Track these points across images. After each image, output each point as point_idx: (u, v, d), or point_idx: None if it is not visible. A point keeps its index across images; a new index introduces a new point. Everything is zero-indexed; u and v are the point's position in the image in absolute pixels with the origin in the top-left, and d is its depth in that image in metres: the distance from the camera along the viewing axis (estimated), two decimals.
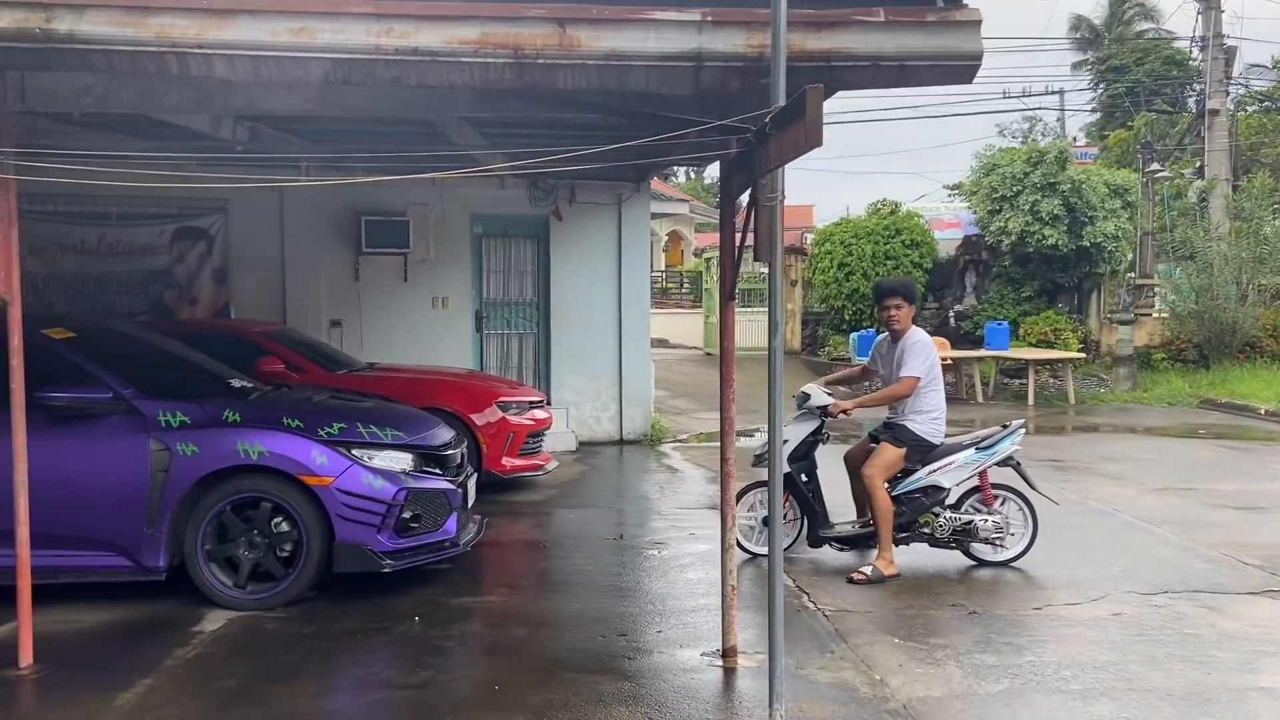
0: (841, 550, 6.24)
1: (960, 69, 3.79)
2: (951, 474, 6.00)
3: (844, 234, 18.66)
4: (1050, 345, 16.72)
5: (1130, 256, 18.19)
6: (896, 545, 6.01)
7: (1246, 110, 25.60)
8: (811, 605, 5.32)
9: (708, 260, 21.69)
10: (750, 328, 21.94)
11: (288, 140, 7.13)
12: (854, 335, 17.12)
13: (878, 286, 6.23)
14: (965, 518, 6.03)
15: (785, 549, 6.23)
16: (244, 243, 10.75)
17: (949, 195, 29.94)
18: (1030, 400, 15.25)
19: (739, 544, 6.19)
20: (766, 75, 3.48)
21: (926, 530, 6.06)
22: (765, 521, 6.22)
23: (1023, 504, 6.13)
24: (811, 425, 6.14)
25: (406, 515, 5.32)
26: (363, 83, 3.72)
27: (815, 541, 6.17)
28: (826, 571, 6.03)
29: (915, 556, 6.17)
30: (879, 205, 19.22)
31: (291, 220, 10.90)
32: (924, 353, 5.93)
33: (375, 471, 5.27)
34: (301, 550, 5.16)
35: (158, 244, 10.31)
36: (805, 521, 6.24)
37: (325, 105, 4.58)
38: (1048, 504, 6.28)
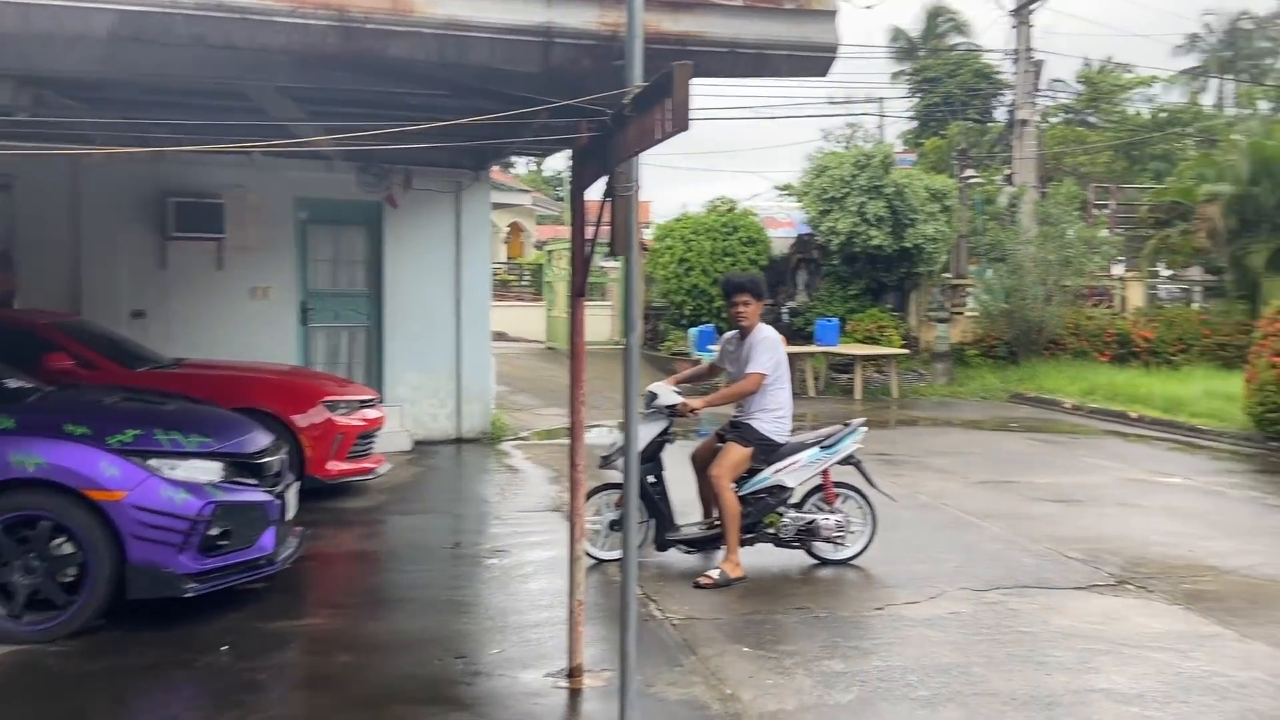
0: (689, 553, 6.10)
1: (816, 60, 3.67)
2: (796, 473, 5.96)
3: (684, 230, 18.73)
4: (875, 342, 17.34)
5: (945, 258, 19.10)
6: (742, 546, 5.92)
7: (1050, 122, 27.45)
8: (659, 613, 5.14)
9: (549, 252, 21.38)
10: (591, 322, 21.88)
11: (77, 109, 6.35)
12: (694, 330, 17.22)
13: (726, 282, 6.12)
14: (808, 517, 6.01)
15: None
16: (31, 223, 9.63)
17: (779, 195, 30.82)
18: (858, 394, 15.76)
19: (591, 549, 5.98)
20: (621, 56, 3.23)
21: (771, 530, 6.00)
22: (613, 525, 6.03)
23: (863, 501, 6.17)
24: (659, 425, 5.97)
25: (214, 532, 4.78)
26: (158, 41, 3.23)
27: (662, 545, 6.01)
28: (673, 576, 5.87)
29: (760, 557, 6.10)
30: (717, 203, 19.41)
31: (88, 200, 9.86)
32: (771, 349, 5.86)
33: (176, 484, 4.70)
34: (88, 575, 4.54)
35: None
36: (652, 524, 6.07)
37: (115, 67, 4.01)
38: (885, 500, 6.34)
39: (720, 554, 5.81)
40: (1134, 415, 13.30)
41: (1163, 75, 32.16)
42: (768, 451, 5.91)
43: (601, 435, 6.03)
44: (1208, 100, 31.29)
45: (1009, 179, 21.24)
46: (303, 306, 10.81)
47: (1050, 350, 17.49)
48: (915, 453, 10.61)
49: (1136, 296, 19.61)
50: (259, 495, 5.08)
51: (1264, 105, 26.09)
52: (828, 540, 6.03)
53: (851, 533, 6.12)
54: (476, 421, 11.49)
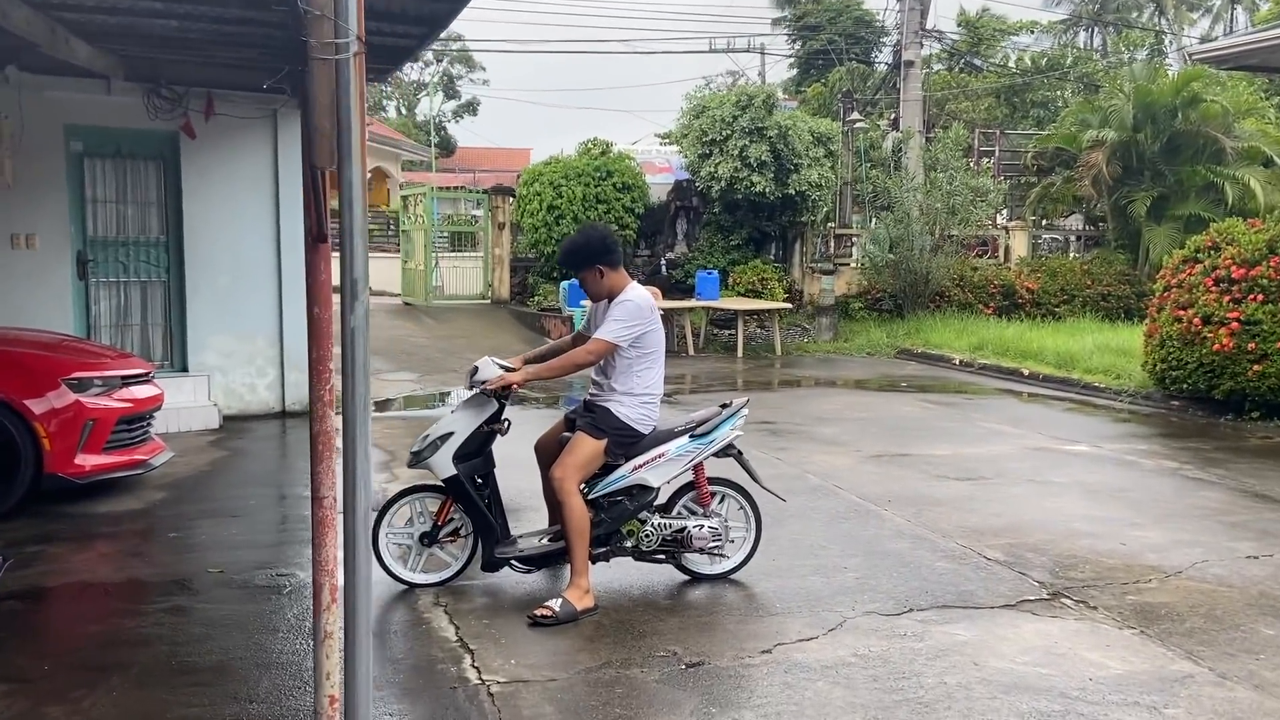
0: (527, 572, 4.79)
1: None
2: (661, 469, 4.70)
3: (553, 174, 17.20)
4: (758, 295, 16.31)
5: (828, 207, 18.18)
6: (594, 562, 4.66)
7: (934, 69, 26.84)
8: (475, 675, 3.80)
9: (405, 199, 19.52)
10: (462, 275, 20.09)
11: None
12: (564, 284, 15.81)
13: (560, 257, 4.81)
14: (677, 524, 4.77)
15: (451, 578, 4.72)
16: None
17: (661, 143, 29.50)
18: (739, 352, 14.71)
19: (390, 571, 4.63)
20: None
21: (630, 542, 4.75)
22: (427, 538, 4.68)
23: (744, 502, 4.97)
24: (486, 411, 4.62)
25: None
26: None
27: (491, 563, 4.68)
28: (506, 607, 4.55)
29: (617, 572, 4.86)
30: (589, 145, 17.93)
31: None
32: (632, 315, 4.56)
33: None
34: None
35: None
36: (478, 538, 4.74)
37: None
38: (772, 497, 5.16)
39: (567, 575, 4.53)
40: (1026, 373, 12.62)
41: (1040, 23, 32.08)
42: (627, 443, 4.64)
43: (437, 422, 4.60)
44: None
45: (894, 123, 20.43)
46: (79, 258, 8.93)
47: (936, 303, 16.80)
48: (801, 419, 9.55)
49: (1020, 246, 19.14)
50: None
51: (1142, 53, 26.06)
52: (702, 551, 4.82)
53: (731, 541, 4.92)
54: (303, 392, 9.86)
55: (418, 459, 4.62)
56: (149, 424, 6.71)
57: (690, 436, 4.75)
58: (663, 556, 4.83)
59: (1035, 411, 10.48)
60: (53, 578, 4.82)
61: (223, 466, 7.45)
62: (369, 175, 30.78)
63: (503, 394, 4.55)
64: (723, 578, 4.91)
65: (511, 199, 18.27)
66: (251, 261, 9.58)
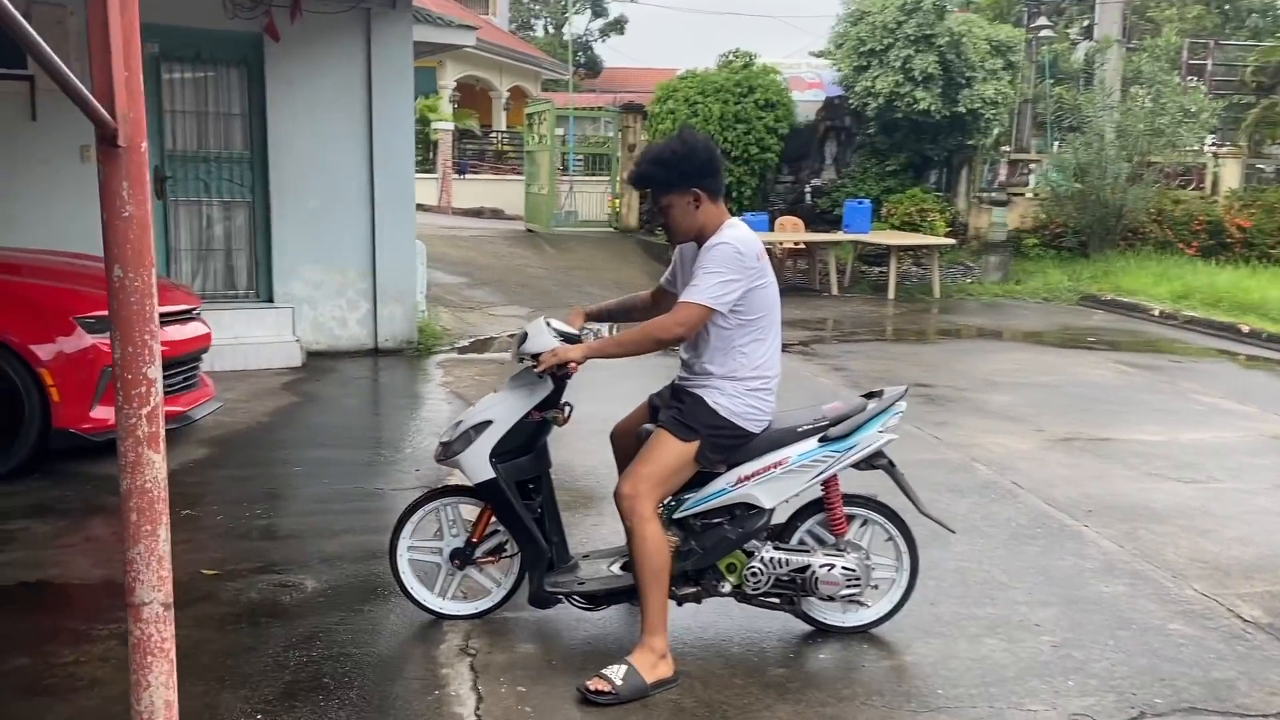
0: (587, 609, 3.56)
1: None
2: (778, 484, 3.34)
3: (689, 90, 15.63)
4: (915, 228, 14.43)
5: (1001, 129, 15.95)
6: (680, 604, 3.41)
7: None
8: None
9: (529, 117, 18.36)
10: (589, 200, 18.92)
11: None
12: None
13: (638, 175, 3.37)
14: (798, 559, 3.42)
15: (491, 609, 3.57)
16: None
17: (814, 58, 27.21)
18: (891, 293, 12.99)
19: (410, 595, 3.50)
20: None
21: (730, 582, 3.44)
22: (459, 557, 3.51)
23: (894, 530, 3.55)
24: (537, 394, 3.37)
25: None
26: None
27: (541, 599, 3.46)
28: (557, 664, 3.33)
29: (711, 612, 3.58)
30: (730, 57, 16.24)
31: None
32: (729, 266, 3.17)
33: None
34: None
35: None
36: (519, 560, 3.55)
37: None
38: (931, 520, 3.72)
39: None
40: (1246, 330, 10.48)
41: None
42: (729, 446, 3.30)
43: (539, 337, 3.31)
44: None
45: (1087, 32, 17.78)
46: (156, 174, 8.11)
47: (1128, 241, 14.50)
48: (965, 383, 7.94)
49: (1231, 177, 16.38)
50: None
51: None
52: (831, 598, 3.48)
53: (873, 586, 3.54)
54: (398, 328, 8.92)
55: (446, 452, 3.42)
56: (191, 370, 5.80)
57: (821, 440, 3.37)
58: (776, 600, 3.51)
59: (1264, 382, 8.50)
60: (11, 572, 3.90)
61: (285, 418, 6.53)
62: (507, 94, 29.84)
63: (559, 373, 3.28)
64: (860, 632, 3.55)
65: (643, 118, 16.85)
66: (343, 182, 8.62)
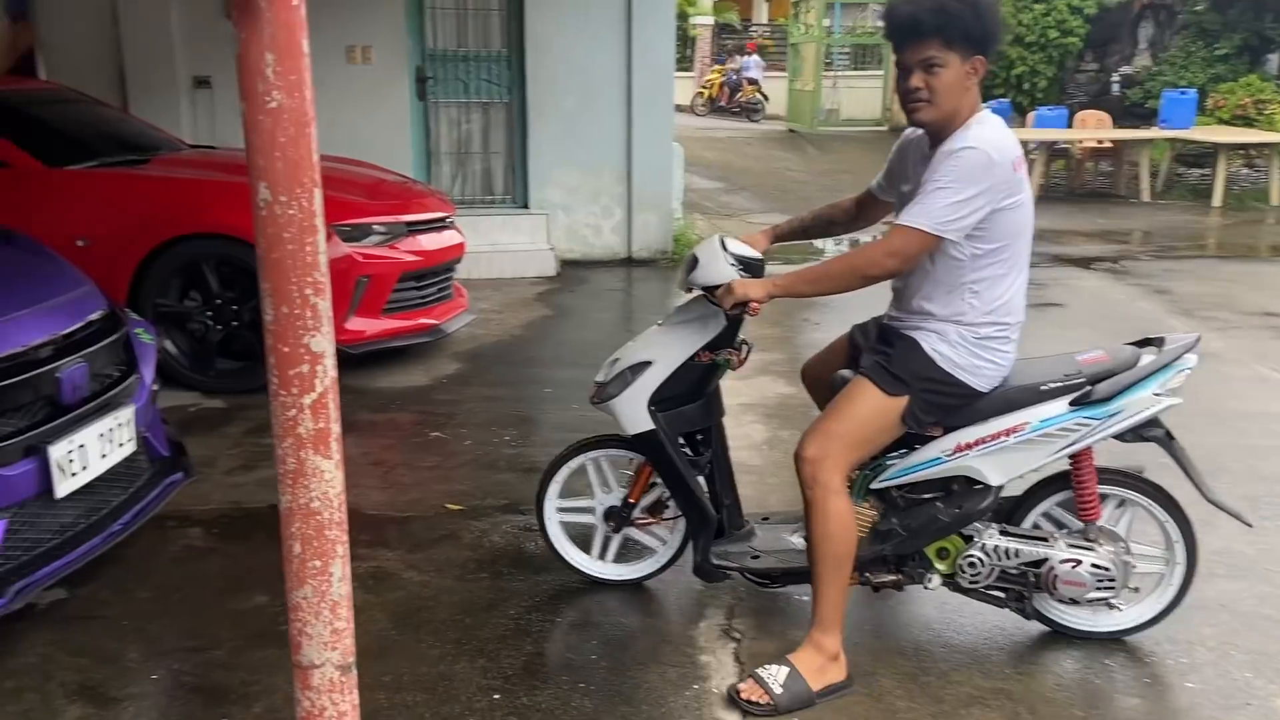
0: (766, 587, 2.94)
1: None
2: (1010, 456, 2.58)
3: None
4: (1249, 123, 12.17)
5: None
6: (876, 590, 2.78)
7: None
8: None
9: (796, 5, 17.10)
10: (858, 97, 17.59)
11: None
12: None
13: (887, 16, 2.55)
14: (1032, 550, 2.65)
15: (657, 571, 3.07)
16: None
17: None
18: (1216, 199, 11.02)
19: (562, 556, 3.05)
20: None
21: (939, 571, 2.72)
22: (613, 516, 3.00)
23: (1165, 514, 2.68)
24: (707, 331, 2.74)
25: None
26: None
27: (706, 571, 2.89)
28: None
29: (908, 598, 2.85)
30: None
31: None
32: (971, 177, 2.35)
33: None
34: None
35: None
36: (682, 527, 2.98)
37: None
38: (1221, 509, 2.76)
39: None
40: None
41: None
42: (949, 406, 2.56)
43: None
44: None
45: None
46: (418, 74, 7.97)
47: None
48: None
49: None
50: None
51: None
52: (1074, 601, 2.68)
53: (1132, 588, 2.72)
54: (653, 236, 8.45)
55: (600, 395, 2.85)
56: (444, 280, 5.56)
57: (1075, 402, 2.54)
58: (1001, 595, 2.74)
59: None
60: (263, 493, 3.76)
61: (537, 332, 6.22)
62: None
63: (736, 312, 2.59)
64: (1111, 640, 2.74)
65: None
66: (599, 81, 8.13)
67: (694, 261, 2.67)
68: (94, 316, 3.08)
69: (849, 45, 19.48)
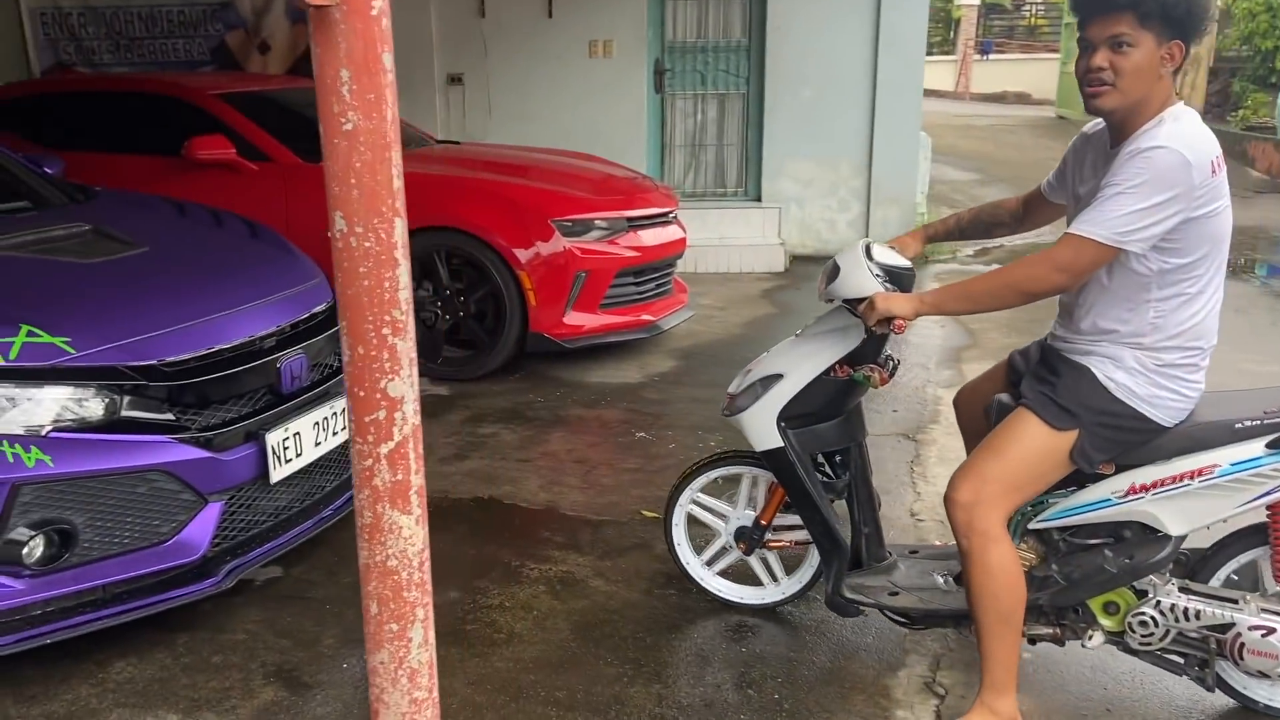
0: (907, 626, 2.63)
1: None
2: (1193, 503, 2.21)
3: None
4: None
5: None
6: (1031, 643, 2.40)
7: None
8: None
9: None
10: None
11: None
12: None
13: None
14: (1217, 611, 2.22)
15: (753, 606, 2.87)
16: None
17: None
18: None
19: (674, 550, 2.91)
20: None
21: (1105, 627, 2.34)
22: (743, 537, 2.84)
23: None
24: (846, 342, 2.48)
25: (21, 537, 2.42)
26: None
27: (838, 605, 2.63)
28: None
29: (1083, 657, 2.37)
30: None
31: None
32: (1159, 185, 1.99)
33: None
34: None
35: None
36: (824, 554, 2.66)
37: None
38: None
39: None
40: None
41: None
42: (1125, 443, 2.21)
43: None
44: None
45: None
46: (656, 67, 7.97)
47: None
48: None
49: None
50: (172, 452, 2.60)
51: None
52: (1264, 675, 2.24)
53: None
54: (892, 232, 8.00)
55: (731, 408, 2.65)
56: (664, 276, 5.49)
57: (1272, 444, 2.14)
58: (1180, 660, 2.31)
59: None
60: (471, 485, 3.83)
61: (758, 330, 6.03)
62: None
63: (881, 330, 2.29)
64: None
65: None
66: (841, 69, 7.80)
67: (835, 270, 2.42)
68: (319, 308, 3.23)
69: None
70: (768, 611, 2.91)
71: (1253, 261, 7.89)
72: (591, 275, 4.97)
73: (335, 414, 3.11)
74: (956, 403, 2.66)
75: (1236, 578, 2.34)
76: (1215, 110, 13.56)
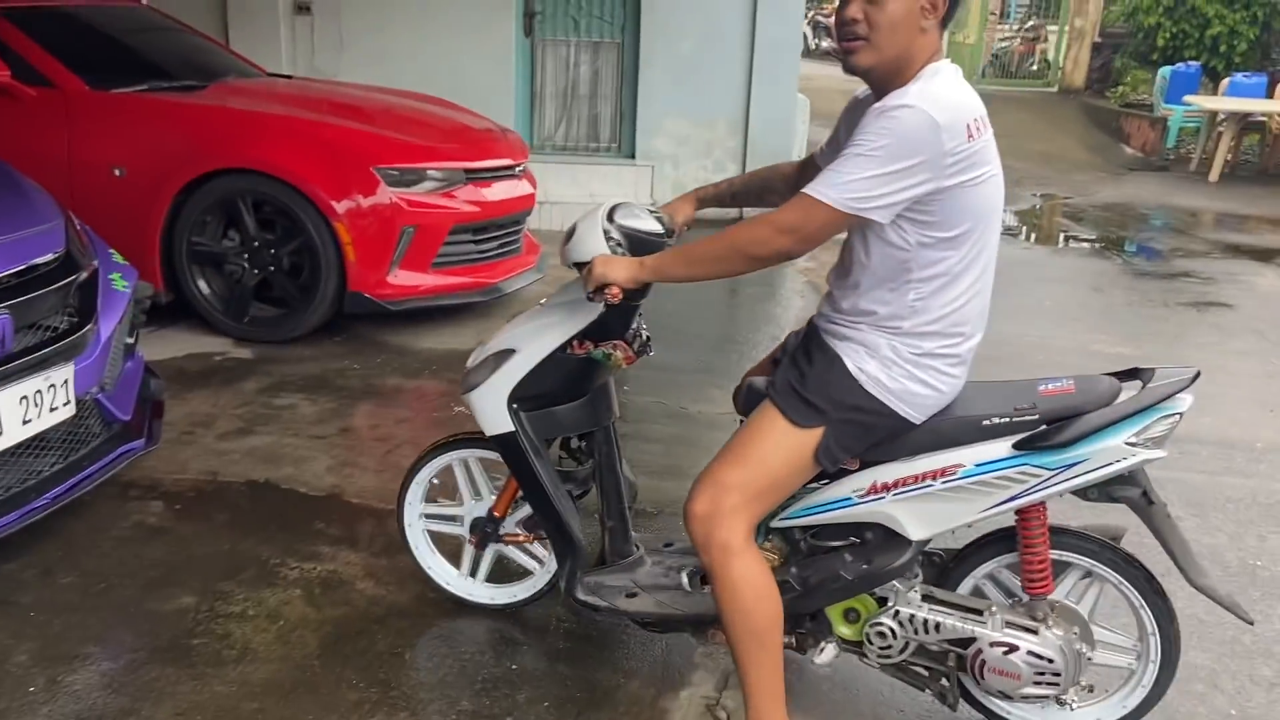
0: (653, 630, 2.38)
1: None
2: (936, 506, 1.98)
3: None
4: None
5: None
6: (795, 648, 2.15)
7: None
8: None
9: None
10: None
11: None
12: (1165, 70, 11.46)
13: None
14: (959, 624, 2.02)
15: (532, 598, 2.60)
16: None
17: None
18: None
19: (426, 571, 2.60)
20: None
21: (845, 635, 2.14)
22: (477, 529, 2.52)
23: (1137, 597, 2.02)
24: (580, 318, 2.17)
25: None
26: None
27: (574, 605, 2.37)
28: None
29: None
30: None
31: None
32: (900, 147, 1.73)
33: None
34: None
35: None
36: (557, 552, 2.39)
37: None
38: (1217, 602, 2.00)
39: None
40: None
41: None
42: (871, 439, 1.97)
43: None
44: None
45: None
46: (525, 7, 7.47)
47: None
48: None
49: None
50: None
51: None
52: (1005, 695, 2.04)
53: (1084, 685, 2.08)
54: None
55: (464, 383, 2.33)
56: (509, 235, 5.07)
57: (1021, 444, 1.91)
58: (924, 672, 2.12)
59: None
60: (247, 465, 3.38)
61: (696, 309, 5.66)
62: None
63: (596, 299, 2.01)
64: None
65: None
66: (721, 23, 7.44)
67: (571, 232, 2.12)
68: (40, 260, 2.72)
69: None
70: (544, 628, 2.58)
71: (1119, 239, 7.90)
72: (421, 230, 4.52)
73: (54, 386, 2.63)
74: (737, 396, 2.33)
75: (992, 585, 2.14)
76: (1096, 86, 13.70)
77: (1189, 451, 3.72)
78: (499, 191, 4.93)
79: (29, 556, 2.76)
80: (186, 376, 4.10)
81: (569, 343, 2.18)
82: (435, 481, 2.60)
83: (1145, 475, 1.95)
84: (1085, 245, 7.82)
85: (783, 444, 1.94)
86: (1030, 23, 16.36)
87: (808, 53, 19.69)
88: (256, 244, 4.45)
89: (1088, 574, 2.06)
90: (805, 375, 1.97)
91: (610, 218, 2.10)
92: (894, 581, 2.05)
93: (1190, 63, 11.34)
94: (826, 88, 13.61)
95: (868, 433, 1.94)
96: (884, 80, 1.85)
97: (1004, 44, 16.31)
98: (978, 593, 2.13)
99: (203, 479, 3.25)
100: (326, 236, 4.37)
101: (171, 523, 3.01)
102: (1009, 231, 8.25)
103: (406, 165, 4.52)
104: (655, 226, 2.14)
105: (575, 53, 7.67)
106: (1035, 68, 15.57)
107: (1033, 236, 8.28)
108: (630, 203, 2.19)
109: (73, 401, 2.71)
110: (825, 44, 20.31)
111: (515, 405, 2.24)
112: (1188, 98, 10.62)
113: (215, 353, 4.39)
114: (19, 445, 2.57)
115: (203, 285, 4.51)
